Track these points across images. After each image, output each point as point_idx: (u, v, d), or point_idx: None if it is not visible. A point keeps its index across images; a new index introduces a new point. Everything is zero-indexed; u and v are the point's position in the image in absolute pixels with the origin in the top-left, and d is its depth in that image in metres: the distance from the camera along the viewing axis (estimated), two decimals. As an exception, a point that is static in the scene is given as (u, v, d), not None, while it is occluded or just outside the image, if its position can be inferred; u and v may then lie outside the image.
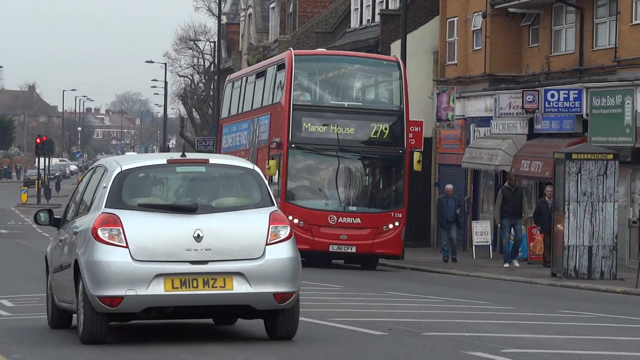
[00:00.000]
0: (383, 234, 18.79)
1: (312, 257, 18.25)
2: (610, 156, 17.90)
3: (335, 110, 19.48)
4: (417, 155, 19.69)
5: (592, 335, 8.46)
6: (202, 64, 70.18)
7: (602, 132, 21.32)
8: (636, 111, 19.90)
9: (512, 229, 20.97)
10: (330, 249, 18.69)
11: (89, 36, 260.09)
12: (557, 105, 21.91)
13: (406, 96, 19.39)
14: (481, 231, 23.85)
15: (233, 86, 25.12)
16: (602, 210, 17.55)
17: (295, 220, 17.65)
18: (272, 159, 18.83)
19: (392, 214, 19.05)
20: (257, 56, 43.26)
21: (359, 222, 18.78)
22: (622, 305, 13.08)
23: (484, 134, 26.11)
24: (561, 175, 17.98)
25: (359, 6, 34.05)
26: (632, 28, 20.45)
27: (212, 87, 62.03)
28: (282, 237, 7.09)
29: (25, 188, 56.01)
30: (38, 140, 56.71)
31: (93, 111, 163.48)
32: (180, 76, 73.36)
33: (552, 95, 21.75)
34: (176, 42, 72.31)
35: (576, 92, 21.80)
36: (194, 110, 69.06)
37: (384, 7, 31.07)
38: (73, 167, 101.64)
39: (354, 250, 18.83)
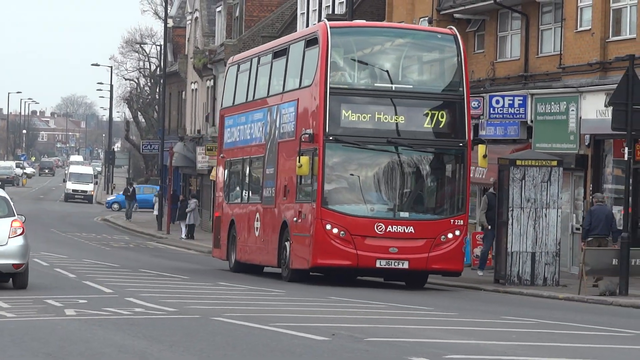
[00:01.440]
0: (441, 245, 15.35)
1: (344, 274, 16.10)
2: (555, 163, 17.82)
3: (381, 94, 15.91)
4: (482, 149, 16.29)
5: (533, 341, 8.44)
6: (148, 67, 69.85)
7: (546, 139, 21.18)
8: (580, 118, 19.81)
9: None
10: (378, 265, 15.17)
11: (35, 38, 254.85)
12: (502, 112, 21.66)
13: (466, 77, 15.96)
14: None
15: (239, 69, 20.75)
16: (546, 216, 17.35)
17: (335, 230, 14.94)
18: (304, 154, 15.08)
19: (452, 221, 15.59)
20: (203, 60, 42.35)
21: (412, 231, 15.27)
22: (564, 312, 13.06)
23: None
24: (505, 182, 17.74)
25: (305, 10, 33.53)
26: (577, 35, 20.29)
27: (157, 90, 61.43)
28: (18, 233, 13.30)
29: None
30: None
31: (38, 114, 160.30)
32: (126, 79, 73.07)
33: (497, 102, 21.52)
34: (122, 45, 72.32)
35: (521, 98, 21.56)
36: (139, 113, 68.69)
37: (330, 12, 30.57)
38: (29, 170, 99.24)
39: (405, 265, 15.22)
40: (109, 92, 74.71)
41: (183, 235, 36.03)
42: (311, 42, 16.29)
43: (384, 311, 11.61)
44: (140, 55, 70.28)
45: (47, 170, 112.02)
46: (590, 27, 20.10)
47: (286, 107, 16.94)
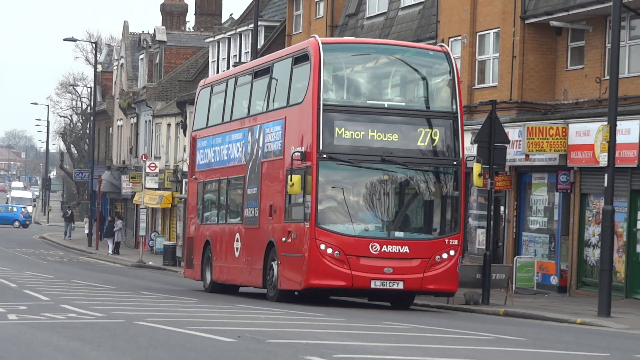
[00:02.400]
0: (436, 265, 12.88)
1: (314, 295, 13.53)
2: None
3: (374, 112, 13.33)
4: (477, 167, 13.74)
5: (410, 343, 8.21)
6: (80, 106, 68.47)
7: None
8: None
9: None
10: (373, 285, 12.71)
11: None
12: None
13: (459, 95, 13.46)
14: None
15: (212, 91, 17.50)
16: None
17: (329, 250, 12.41)
18: (295, 173, 12.55)
19: (447, 240, 13.06)
20: (127, 100, 41.56)
21: (407, 251, 12.82)
22: (437, 318, 12.68)
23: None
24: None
25: (215, 59, 33.51)
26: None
27: (88, 126, 60.50)
28: None
29: None
30: None
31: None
32: (60, 116, 71.70)
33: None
34: (58, 86, 71.70)
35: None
36: (72, 146, 67.08)
37: (237, 61, 30.62)
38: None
39: (400, 286, 12.78)
40: (46, 127, 72.52)
41: (110, 251, 35.32)
42: (300, 59, 13.62)
43: (282, 317, 11.03)
44: (73, 96, 69.01)
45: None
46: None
47: (271, 126, 14.16)
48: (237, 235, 15.14)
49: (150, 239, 34.17)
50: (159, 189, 33.42)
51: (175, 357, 6.53)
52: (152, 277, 23.45)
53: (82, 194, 64.14)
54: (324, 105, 12.57)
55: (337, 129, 12.85)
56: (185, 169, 25.65)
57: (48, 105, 69.64)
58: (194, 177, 17.68)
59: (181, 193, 30.88)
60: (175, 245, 29.58)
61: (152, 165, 30.91)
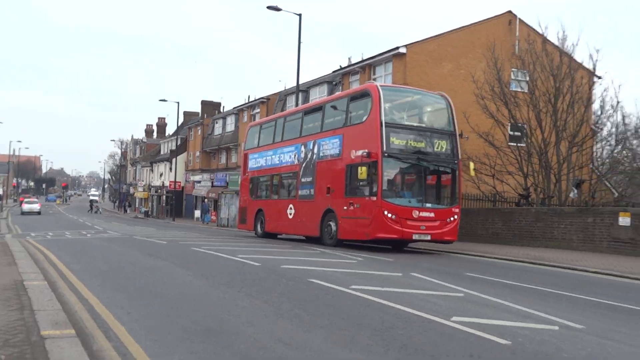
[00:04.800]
0: (448, 224, 18.58)
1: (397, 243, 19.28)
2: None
3: (411, 128, 18.98)
4: (472, 164, 20.83)
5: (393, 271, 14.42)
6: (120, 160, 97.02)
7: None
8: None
9: None
10: (413, 237, 18.06)
11: None
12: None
13: (454, 120, 19.61)
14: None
15: (261, 127, 27.03)
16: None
17: (389, 215, 17.77)
18: (362, 166, 18.02)
19: (453, 209, 18.86)
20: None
21: (433, 215, 18.39)
22: (410, 254, 21.57)
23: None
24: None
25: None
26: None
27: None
28: None
29: None
30: None
31: None
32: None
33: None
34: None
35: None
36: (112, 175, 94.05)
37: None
38: None
39: (429, 237, 18.23)
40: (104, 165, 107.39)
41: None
42: (359, 96, 19.79)
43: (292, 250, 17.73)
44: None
45: None
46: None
47: (328, 139, 20.60)
48: (291, 205, 22.84)
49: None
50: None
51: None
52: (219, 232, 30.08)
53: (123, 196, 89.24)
54: (386, 123, 18.17)
55: (392, 138, 18.31)
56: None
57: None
58: (247, 174, 27.14)
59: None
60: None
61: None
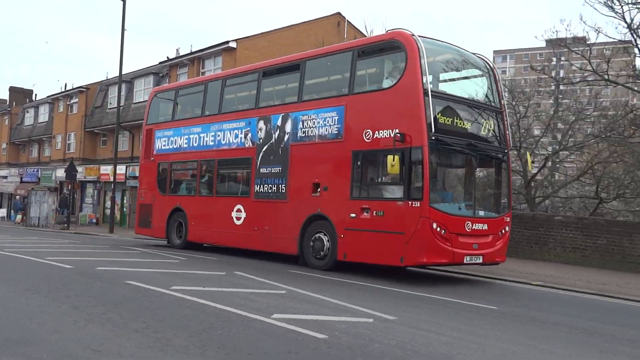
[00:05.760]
0: (499, 240, 13.36)
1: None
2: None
3: (459, 101, 13.16)
4: (529, 155, 16.49)
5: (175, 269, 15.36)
6: None
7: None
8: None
9: None
10: (465, 261, 12.50)
11: None
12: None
13: (501, 96, 14.30)
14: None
15: (178, 94, 19.67)
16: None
17: (439, 229, 12.02)
18: (393, 154, 12.01)
19: (505, 218, 13.59)
20: None
21: (486, 228, 13.01)
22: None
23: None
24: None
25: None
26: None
27: None
28: None
29: None
30: None
31: None
32: None
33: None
34: None
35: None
36: None
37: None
38: None
39: (480, 260, 12.85)
40: None
41: None
42: (377, 50, 13.66)
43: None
44: None
45: None
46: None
47: (315, 113, 14.35)
48: (240, 206, 16.26)
49: None
50: None
51: None
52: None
53: None
54: (432, 91, 12.25)
55: (438, 114, 12.44)
56: None
57: None
58: (152, 159, 19.82)
59: None
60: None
61: None
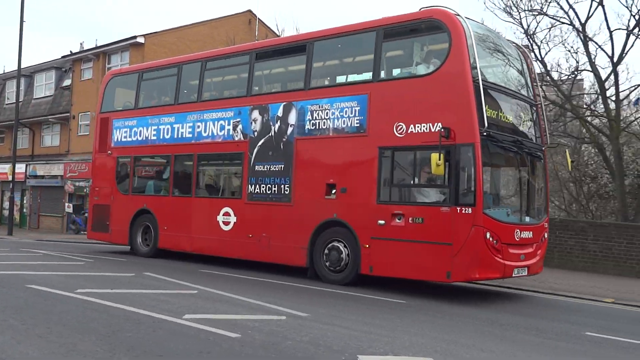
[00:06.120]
0: (540, 249, 11.93)
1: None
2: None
3: (505, 92, 11.58)
4: (568, 153, 14.51)
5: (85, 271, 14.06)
6: None
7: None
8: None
9: None
10: (514, 274, 10.93)
11: None
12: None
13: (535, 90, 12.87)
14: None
15: (142, 78, 16.82)
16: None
17: (491, 239, 10.37)
18: (438, 152, 10.21)
19: (544, 223, 12.30)
20: None
21: (532, 236, 11.58)
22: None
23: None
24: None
25: None
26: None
27: None
28: None
29: None
30: None
31: None
32: None
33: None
34: None
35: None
36: None
37: None
38: None
39: (525, 272, 11.27)
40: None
41: None
42: (408, 30, 11.76)
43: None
44: None
45: None
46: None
47: (329, 102, 12.31)
48: (228, 209, 14.01)
49: None
50: None
51: None
52: None
53: None
54: (483, 80, 10.66)
55: (486, 106, 10.80)
56: None
57: None
58: (110, 152, 17.02)
59: None
60: None
61: None
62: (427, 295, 10.95)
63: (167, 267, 13.36)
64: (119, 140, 16.86)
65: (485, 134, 10.38)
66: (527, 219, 11.68)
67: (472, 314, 9.07)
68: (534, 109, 12.43)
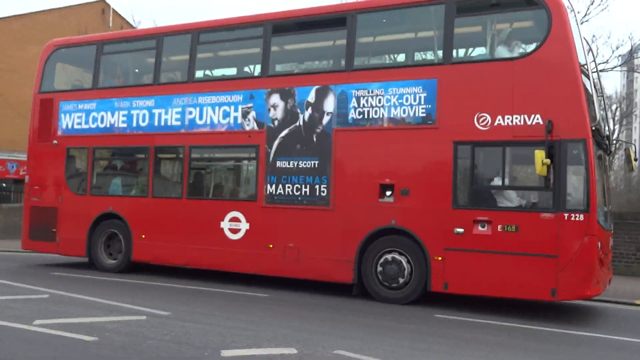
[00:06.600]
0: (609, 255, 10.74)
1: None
2: None
3: (592, 82, 9.99)
4: (632, 150, 11.68)
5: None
6: None
7: None
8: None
9: None
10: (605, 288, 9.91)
11: None
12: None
13: None
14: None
15: (102, 50, 13.53)
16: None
17: (600, 250, 9.16)
18: (545, 148, 8.83)
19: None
20: None
21: (612, 243, 10.88)
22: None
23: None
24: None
25: None
26: None
27: None
28: None
29: None
30: None
31: None
32: None
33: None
34: None
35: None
36: None
37: None
38: None
39: (607, 287, 10.40)
40: None
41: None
42: (487, 6, 10.05)
43: None
44: None
45: None
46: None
47: (383, 87, 10.27)
48: (238, 214, 11.60)
49: None
50: None
51: None
52: None
53: None
54: (582, 68, 9.26)
55: (598, 97, 9.95)
56: None
57: None
58: (54, 141, 13.76)
59: None
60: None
61: None
62: (288, 288, 11.13)
63: (12, 270, 12.48)
64: (69, 127, 13.55)
65: (594, 129, 9.02)
66: (610, 224, 10.49)
67: (334, 305, 9.35)
68: (601, 100, 10.84)
